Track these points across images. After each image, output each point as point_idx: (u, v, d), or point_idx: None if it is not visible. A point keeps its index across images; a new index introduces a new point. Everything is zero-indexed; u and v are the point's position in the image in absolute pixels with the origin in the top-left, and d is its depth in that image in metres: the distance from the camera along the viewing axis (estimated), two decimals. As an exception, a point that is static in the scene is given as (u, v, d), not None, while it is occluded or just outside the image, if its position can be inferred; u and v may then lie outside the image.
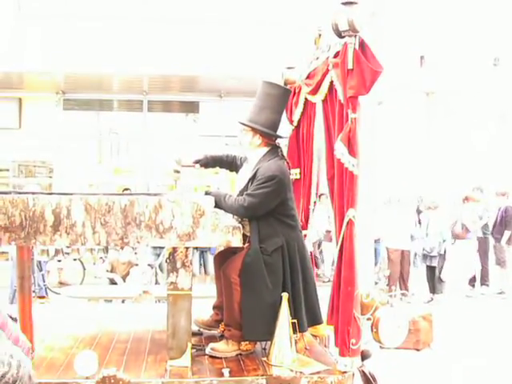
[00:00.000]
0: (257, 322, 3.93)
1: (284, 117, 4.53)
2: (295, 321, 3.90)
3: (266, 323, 3.90)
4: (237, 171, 4.54)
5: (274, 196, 3.96)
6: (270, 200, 3.95)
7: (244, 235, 3.92)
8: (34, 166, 14.72)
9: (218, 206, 3.90)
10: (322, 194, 4.73)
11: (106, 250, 10.98)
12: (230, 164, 4.61)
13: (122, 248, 8.85)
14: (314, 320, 4.15)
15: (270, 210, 3.99)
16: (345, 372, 3.62)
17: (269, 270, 3.92)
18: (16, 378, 1.35)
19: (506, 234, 11.25)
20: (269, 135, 4.14)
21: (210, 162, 4.58)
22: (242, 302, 3.95)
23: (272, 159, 4.06)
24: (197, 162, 4.50)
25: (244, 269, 3.93)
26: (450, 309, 10.04)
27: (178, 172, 4.19)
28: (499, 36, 12.91)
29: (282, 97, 4.22)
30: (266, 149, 4.15)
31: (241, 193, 4.09)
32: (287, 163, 4.21)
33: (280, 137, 4.25)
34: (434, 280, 10.73)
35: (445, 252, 10.65)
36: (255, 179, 4.00)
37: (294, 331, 3.90)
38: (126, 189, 12.79)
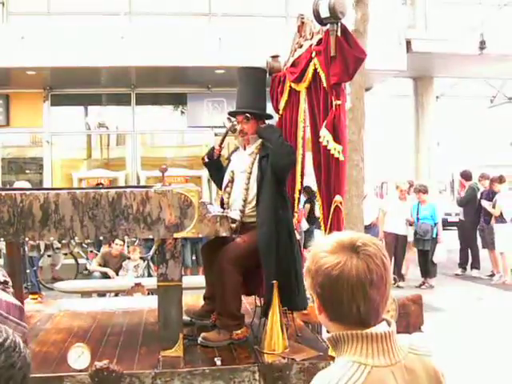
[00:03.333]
0: (295, 293, 4.09)
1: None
2: (286, 308, 3.94)
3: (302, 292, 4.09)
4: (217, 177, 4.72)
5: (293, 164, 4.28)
6: (293, 164, 4.25)
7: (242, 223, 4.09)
8: (24, 163, 14.68)
9: (266, 133, 4.14)
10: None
11: (97, 244, 10.98)
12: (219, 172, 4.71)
13: (112, 241, 8.84)
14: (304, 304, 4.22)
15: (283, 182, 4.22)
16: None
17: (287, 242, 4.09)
18: (16, 344, 1.37)
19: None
20: (265, 117, 4.41)
21: (215, 163, 4.74)
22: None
23: None
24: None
25: (261, 240, 4.05)
26: (442, 292, 10.12)
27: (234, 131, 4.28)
28: (485, 19, 12.94)
29: (260, 77, 4.45)
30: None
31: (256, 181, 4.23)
32: None
33: (271, 117, 4.52)
34: (426, 264, 10.80)
35: (436, 235, 10.71)
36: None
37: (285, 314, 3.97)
38: (99, 183, 12.83)
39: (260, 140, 4.30)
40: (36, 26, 12.08)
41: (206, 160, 4.72)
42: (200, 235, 3.70)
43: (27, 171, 14.52)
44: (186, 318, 4.24)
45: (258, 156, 4.25)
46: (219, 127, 13.50)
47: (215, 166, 4.71)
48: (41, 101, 13.59)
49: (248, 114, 4.32)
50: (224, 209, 4.30)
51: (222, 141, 4.62)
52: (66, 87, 13.60)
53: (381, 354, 1.53)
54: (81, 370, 3.45)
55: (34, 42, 11.30)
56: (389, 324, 1.59)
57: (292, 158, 4.14)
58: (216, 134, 13.92)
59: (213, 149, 4.67)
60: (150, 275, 9.19)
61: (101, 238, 3.64)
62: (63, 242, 3.88)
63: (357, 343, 1.53)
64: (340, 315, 1.55)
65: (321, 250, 1.56)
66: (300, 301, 4.16)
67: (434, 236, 10.70)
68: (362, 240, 1.55)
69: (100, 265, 8.95)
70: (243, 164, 4.32)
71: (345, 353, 1.55)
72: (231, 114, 4.52)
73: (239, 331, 4.06)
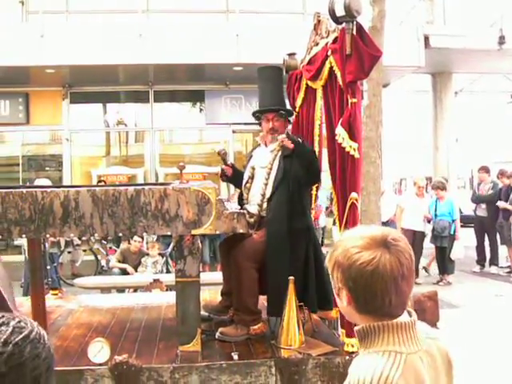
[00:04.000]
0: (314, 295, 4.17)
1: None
2: (302, 304, 3.98)
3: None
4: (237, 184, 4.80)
5: None
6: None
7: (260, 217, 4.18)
8: (44, 160, 14.83)
9: (301, 149, 4.13)
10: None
11: (117, 240, 11.11)
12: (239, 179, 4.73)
13: (131, 237, 8.93)
14: (325, 304, 4.24)
15: (304, 190, 4.30)
16: (352, 353, 3.69)
17: (292, 250, 4.11)
18: (41, 336, 1.43)
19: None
20: (291, 114, 4.62)
21: (233, 177, 4.74)
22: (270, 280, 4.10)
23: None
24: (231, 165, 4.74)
25: (269, 245, 4.11)
26: (460, 289, 10.09)
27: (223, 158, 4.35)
28: (504, 15, 12.84)
29: (279, 75, 4.58)
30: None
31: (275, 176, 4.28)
32: None
33: (293, 113, 4.71)
34: (444, 261, 10.76)
35: (454, 232, 10.67)
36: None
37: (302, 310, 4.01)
38: (101, 180, 12.99)
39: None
40: (55, 25, 12.20)
41: (224, 179, 4.79)
42: (217, 232, 3.76)
43: (47, 168, 14.67)
44: (203, 313, 4.30)
45: (279, 153, 4.28)
46: (237, 124, 13.59)
47: (236, 178, 4.74)
48: (60, 99, 13.72)
49: (282, 111, 4.44)
50: (243, 204, 4.36)
51: (225, 161, 4.71)
52: (85, 85, 13.71)
53: (409, 342, 1.61)
54: (100, 364, 3.53)
55: (53, 41, 11.41)
56: (409, 314, 1.67)
57: (319, 175, 4.26)
58: (234, 131, 13.97)
59: (223, 170, 4.71)
60: (168, 271, 9.28)
61: (120, 234, 3.70)
62: (83, 238, 3.96)
63: (388, 333, 1.61)
64: (372, 308, 1.61)
65: (353, 246, 1.62)
66: (313, 301, 4.21)
67: (452, 233, 10.66)
68: (392, 236, 1.62)
69: (119, 261, 9.04)
70: (264, 160, 4.37)
71: (376, 344, 1.62)
72: (260, 112, 4.53)
73: (256, 326, 4.12)
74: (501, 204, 11.21)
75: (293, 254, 4.09)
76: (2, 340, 1.34)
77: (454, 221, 10.69)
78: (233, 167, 4.71)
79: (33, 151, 14.73)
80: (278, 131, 4.37)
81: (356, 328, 1.68)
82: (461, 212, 11.60)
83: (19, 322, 1.42)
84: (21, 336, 1.37)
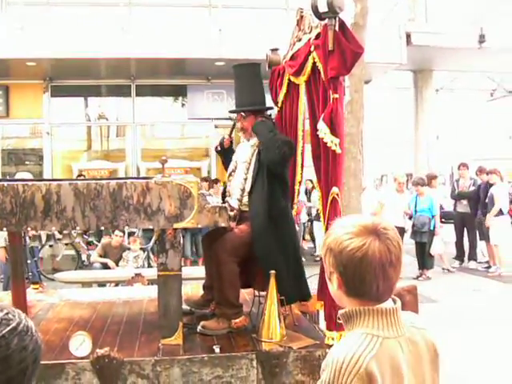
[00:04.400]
0: (296, 286, 4.22)
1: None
2: (283, 297, 4.01)
3: (304, 284, 4.24)
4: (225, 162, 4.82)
5: (289, 159, 4.29)
6: (287, 159, 4.24)
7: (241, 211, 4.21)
8: (24, 154, 14.72)
9: (258, 129, 4.22)
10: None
11: (98, 235, 11.06)
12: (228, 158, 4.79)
13: (113, 232, 8.91)
14: (302, 295, 4.29)
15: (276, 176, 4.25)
16: (332, 346, 3.72)
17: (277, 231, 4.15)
18: (29, 328, 1.44)
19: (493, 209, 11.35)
20: (262, 110, 4.46)
21: (226, 152, 4.81)
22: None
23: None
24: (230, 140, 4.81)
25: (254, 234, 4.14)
26: (439, 283, 10.20)
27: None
28: (485, 14, 12.97)
29: (253, 72, 4.50)
30: None
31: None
32: None
33: (271, 108, 4.60)
34: (423, 256, 10.87)
35: (434, 228, 10.78)
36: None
37: (282, 304, 4.04)
38: (81, 175, 12.94)
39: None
40: (36, 17, 12.10)
41: (219, 148, 4.85)
42: (199, 226, 3.77)
43: (27, 162, 14.57)
44: (185, 307, 4.32)
45: (257, 148, 4.33)
46: (219, 119, 13.58)
47: (227, 155, 4.81)
48: (41, 92, 13.62)
49: (243, 113, 4.45)
50: (225, 197, 4.42)
51: (231, 131, 4.79)
52: (66, 78, 13.62)
53: (389, 327, 1.70)
54: (82, 358, 3.53)
55: (34, 33, 11.32)
56: (394, 301, 1.75)
57: (283, 151, 4.10)
58: (216, 126, 13.97)
59: (223, 139, 4.81)
60: (149, 266, 9.27)
61: (102, 228, 3.69)
62: (64, 232, 3.95)
63: (369, 317, 1.70)
64: (360, 292, 1.70)
65: (345, 232, 1.71)
66: (293, 292, 4.24)
67: (432, 228, 10.77)
68: (383, 225, 1.71)
69: (100, 256, 9.02)
70: (244, 155, 4.43)
71: (357, 326, 1.72)
72: (232, 112, 4.64)
73: (238, 320, 4.14)
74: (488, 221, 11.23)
75: (278, 242, 4.13)
76: None
77: (433, 216, 10.80)
78: (231, 143, 4.82)
79: (13, 145, 14.61)
80: (248, 130, 4.44)
81: (341, 311, 1.76)
82: (442, 208, 11.71)
83: (7, 313, 1.43)
84: (8, 328, 1.38)
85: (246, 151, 4.45)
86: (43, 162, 13.91)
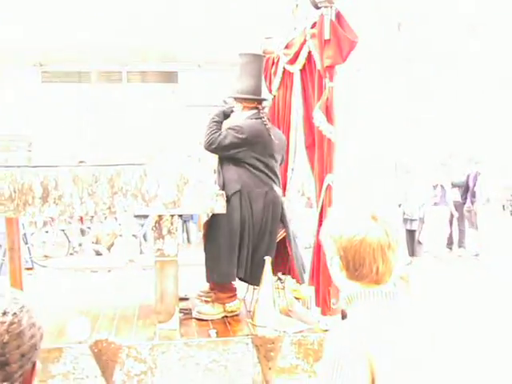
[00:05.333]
0: (214, 266, 4.20)
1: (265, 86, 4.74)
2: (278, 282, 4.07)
3: (223, 266, 4.16)
4: None
5: (235, 145, 4.24)
6: (230, 146, 4.24)
7: None
8: (11, 140, 14.62)
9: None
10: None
11: (91, 221, 11.07)
12: None
13: (104, 219, 8.95)
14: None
15: (235, 161, 4.27)
16: (326, 330, 3.80)
17: (228, 216, 4.10)
18: (32, 308, 1.51)
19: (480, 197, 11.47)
20: (246, 99, 4.40)
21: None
22: (204, 248, 4.24)
23: (252, 119, 4.34)
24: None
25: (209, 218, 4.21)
26: (428, 271, 10.30)
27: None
28: (475, 2, 12.99)
29: (253, 62, 4.47)
30: (249, 112, 4.39)
31: None
32: (267, 129, 4.33)
33: (262, 99, 4.51)
34: (413, 243, 10.98)
35: (423, 215, 10.89)
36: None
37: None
38: (81, 161, 12.89)
39: (243, 118, 4.40)
40: (27, 2, 11.99)
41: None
42: (196, 212, 3.82)
43: (16, 149, 14.47)
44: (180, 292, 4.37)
45: None
46: (211, 106, 13.53)
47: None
48: (31, 78, 13.54)
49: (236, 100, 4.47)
50: None
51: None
52: (57, 64, 13.54)
53: (389, 309, 1.77)
54: (80, 342, 3.58)
55: (25, 19, 11.22)
56: (395, 285, 1.84)
57: (210, 139, 4.26)
58: (208, 114, 13.94)
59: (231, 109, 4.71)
60: (141, 252, 9.31)
61: (100, 213, 3.73)
62: (61, 218, 3.99)
63: (369, 299, 1.77)
64: (360, 275, 1.77)
65: (344, 217, 1.81)
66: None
67: (422, 216, 10.88)
68: (379, 210, 1.80)
69: (92, 242, 9.05)
70: None
71: (358, 309, 1.78)
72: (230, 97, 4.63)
73: (232, 303, 4.21)
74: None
75: (228, 222, 4.15)
76: (2, 310, 1.41)
77: (423, 204, 10.91)
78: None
79: (2, 131, 14.51)
80: (237, 114, 4.48)
81: (344, 295, 1.83)
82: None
83: (13, 294, 1.49)
84: (18, 306, 1.44)
85: None
86: (33, 148, 13.81)
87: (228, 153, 4.26)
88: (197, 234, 11.63)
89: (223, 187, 4.19)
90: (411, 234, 10.96)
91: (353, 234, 1.74)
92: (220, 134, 4.25)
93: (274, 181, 4.40)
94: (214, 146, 4.25)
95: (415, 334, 1.79)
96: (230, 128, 4.26)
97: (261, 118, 4.34)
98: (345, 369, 1.64)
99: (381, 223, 1.75)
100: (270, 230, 4.31)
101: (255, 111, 4.40)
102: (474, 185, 11.45)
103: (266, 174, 4.34)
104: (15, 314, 1.43)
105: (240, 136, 4.21)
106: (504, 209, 16.57)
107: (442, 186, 11.28)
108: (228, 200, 4.10)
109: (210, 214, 4.17)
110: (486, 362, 5.75)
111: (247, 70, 4.41)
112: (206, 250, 4.28)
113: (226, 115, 4.54)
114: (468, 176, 11.78)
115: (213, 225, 4.19)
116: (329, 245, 1.81)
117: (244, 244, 4.19)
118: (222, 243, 4.15)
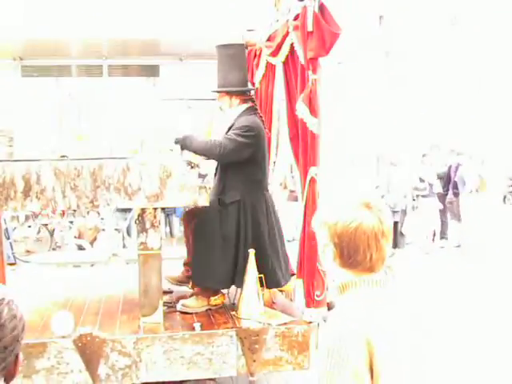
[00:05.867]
0: (205, 271, 4.13)
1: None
2: (262, 276, 4.08)
3: (215, 272, 4.11)
4: None
5: (248, 146, 4.09)
6: (243, 149, 4.09)
7: None
8: (-8, 134, 14.48)
9: (187, 147, 4.08)
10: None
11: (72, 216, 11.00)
12: None
13: (87, 213, 8.89)
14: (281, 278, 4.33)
15: (239, 165, 4.13)
16: (310, 322, 3.82)
17: (222, 222, 4.09)
18: (13, 300, 1.50)
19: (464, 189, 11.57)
20: (242, 92, 4.28)
21: None
22: (193, 250, 4.16)
23: (251, 115, 4.22)
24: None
25: (198, 218, 4.14)
26: (410, 262, 10.38)
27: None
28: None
29: (239, 53, 4.34)
30: (244, 106, 4.28)
31: None
32: (263, 122, 4.32)
33: (252, 89, 4.47)
34: (396, 235, 11.04)
35: (406, 207, 10.95)
36: (233, 127, 4.17)
37: (262, 285, 4.08)
38: (63, 156, 12.79)
39: (239, 112, 4.29)
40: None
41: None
42: (179, 205, 3.81)
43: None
44: (164, 286, 4.36)
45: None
46: (192, 100, 13.50)
47: None
48: (11, 71, 13.38)
49: (220, 93, 4.32)
50: None
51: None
52: (37, 58, 13.38)
53: (382, 297, 1.80)
54: (64, 337, 3.56)
55: (4, 11, 11.09)
56: (386, 273, 1.85)
57: (214, 151, 4.05)
58: (189, 107, 13.90)
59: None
60: (124, 246, 9.27)
61: (82, 207, 3.71)
62: (43, 212, 3.95)
63: (362, 287, 1.80)
64: (354, 263, 1.80)
65: (339, 205, 1.82)
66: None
67: (404, 208, 10.95)
68: (373, 198, 1.83)
69: (75, 237, 8.99)
70: (221, 134, 4.37)
71: (351, 296, 1.81)
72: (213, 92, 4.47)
73: (216, 297, 4.21)
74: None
75: (222, 229, 4.10)
76: None
77: (405, 196, 10.98)
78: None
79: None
80: (225, 110, 4.37)
81: (337, 283, 1.85)
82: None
83: None
84: None
85: (223, 130, 4.36)
86: (13, 143, 13.68)
87: (240, 156, 4.10)
88: (180, 228, 11.60)
89: (222, 193, 4.14)
90: (394, 225, 11.01)
91: (348, 221, 1.76)
92: (222, 142, 4.05)
93: (267, 177, 4.43)
94: (223, 152, 4.04)
95: (406, 319, 1.82)
96: (236, 130, 4.09)
97: (257, 112, 4.30)
98: (344, 352, 1.66)
99: (375, 211, 1.78)
100: (278, 228, 4.33)
101: (248, 105, 4.29)
102: (455, 176, 11.54)
103: (264, 173, 4.33)
104: None
105: (250, 134, 4.07)
106: (505, 201, 16.70)
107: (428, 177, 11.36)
108: (225, 207, 4.10)
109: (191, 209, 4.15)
110: (468, 344, 5.85)
111: (236, 61, 4.27)
112: (197, 253, 4.16)
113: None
114: (450, 167, 11.87)
115: (206, 229, 4.12)
116: (323, 232, 1.83)
117: (240, 254, 4.11)
118: (216, 250, 4.09)
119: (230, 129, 4.21)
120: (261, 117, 4.32)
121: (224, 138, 4.11)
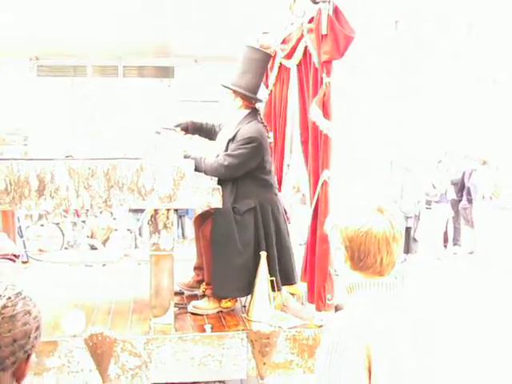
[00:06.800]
0: (226, 281, 4.11)
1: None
2: (273, 278, 4.07)
3: (236, 281, 4.09)
4: (215, 139, 4.61)
5: (253, 157, 4.08)
6: (249, 161, 4.08)
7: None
8: (7, 134, 14.57)
9: (197, 169, 4.02)
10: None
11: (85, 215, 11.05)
12: (209, 132, 4.67)
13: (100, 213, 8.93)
14: (288, 279, 4.33)
15: (247, 173, 4.12)
16: (321, 326, 3.81)
17: (239, 230, 4.08)
18: (30, 297, 1.53)
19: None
20: (249, 98, 4.21)
21: (189, 128, 4.63)
22: (212, 260, 4.13)
23: (251, 122, 4.16)
24: (177, 125, 4.57)
25: (214, 227, 4.10)
26: (423, 268, 10.33)
27: (158, 133, 4.23)
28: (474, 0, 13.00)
29: (263, 61, 4.28)
30: (246, 111, 4.22)
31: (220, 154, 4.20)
32: (265, 127, 4.31)
33: (260, 100, 4.38)
34: (408, 240, 10.99)
35: (419, 213, 10.91)
36: (235, 140, 4.12)
37: (272, 289, 4.08)
38: (68, 156, 12.87)
39: (240, 118, 4.23)
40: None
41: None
42: (192, 207, 3.81)
43: (12, 142, 14.42)
44: (176, 287, 4.37)
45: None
46: (206, 101, 13.54)
47: (198, 132, 4.68)
48: (27, 71, 13.49)
49: (227, 89, 4.24)
50: None
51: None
52: (53, 58, 13.49)
53: (390, 300, 1.82)
54: (75, 336, 3.58)
55: (21, 11, 11.18)
56: (396, 277, 1.88)
57: (220, 171, 4.01)
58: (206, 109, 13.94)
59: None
60: (136, 247, 9.31)
61: (96, 207, 3.72)
62: (56, 211, 3.98)
63: (371, 290, 1.82)
64: (364, 266, 1.82)
65: (351, 209, 1.85)
66: (282, 277, 4.27)
67: (417, 213, 10.90)
68: (386, 203, 1.86)
69: (87, 236, 9.03)
70: (223, 142, 4.30)
71: (359, 298, 1.83)
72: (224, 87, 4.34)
73: (227, 300, 4.20)
74: None
75: (241, 238, 4.08)
76: None
77: (419, 202, 10.93)
78: (186, 124, 4.61)
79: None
80: (225, 107, 4.32)
81: (346, 284, 1.87)
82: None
83: (11, 283, 1.51)
84: (14, 292, 1.48)
85: (225, 137, 4.28)
86: (28, 142, 13.77)
87: (247, 169, 4.09)
88: (192, 229, 11.62)
89: (235, 201, 4.11)
90: (406, 231, 10.96)
91: (359, 225, 1.79)
92: (227, 161, 4.02)
93: (275, 178, 4.43)
94: (231, 172, 4.04)
95: (414, 324, 1.82)
96: (239, 143, 4.06)
97: (259, 118, 4.26)
98: (342, 353, 1.67)
99: (387, 215, 1.80)
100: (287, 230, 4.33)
101: (251, 111, 4.24)
102: (469, 182, 11.49)
103: (272, 175, 4.32)
104: (10, 298, 1.48)
105: (253, 145, 4.04)
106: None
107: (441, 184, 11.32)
108: (241, 215, 4.09)
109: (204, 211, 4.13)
110: (480, 352, 5.80)
111: (256, 67, 4.20)
112: (216, 264, 4.10)
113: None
114: (463, 173, 11.82)
115: (224, 240, 4.08)
116: (335, 235, 1.85)
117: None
118: (236, 258, 4.07)
119: (231, 139, 4.16)
120: (263, 123, 4.28)
121: (228, 155, 4.07)
